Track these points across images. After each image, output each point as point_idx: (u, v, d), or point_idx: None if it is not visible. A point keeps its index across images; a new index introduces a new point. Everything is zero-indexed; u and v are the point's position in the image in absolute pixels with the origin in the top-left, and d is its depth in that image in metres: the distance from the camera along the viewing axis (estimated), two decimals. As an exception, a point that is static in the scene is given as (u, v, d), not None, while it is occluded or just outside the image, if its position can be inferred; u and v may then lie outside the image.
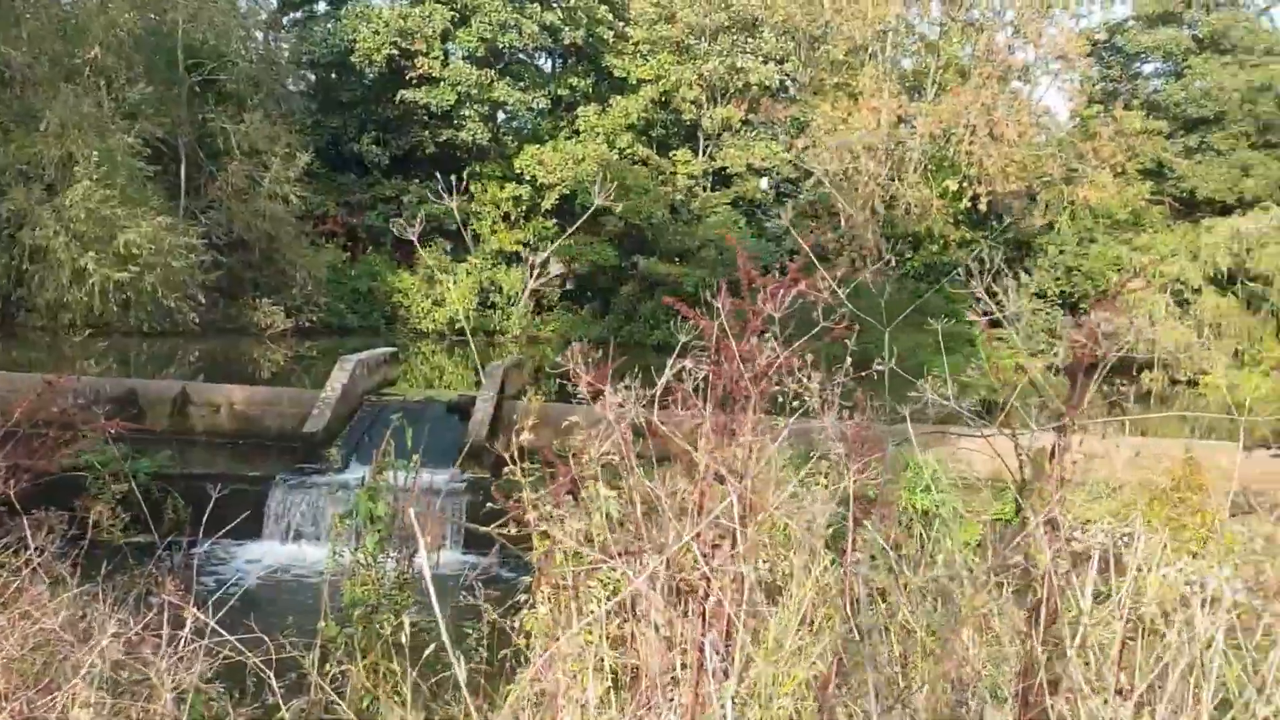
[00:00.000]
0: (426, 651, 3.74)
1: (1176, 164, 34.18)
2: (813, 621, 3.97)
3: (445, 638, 2.80)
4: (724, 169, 34.03)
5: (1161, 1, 35.79)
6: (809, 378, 3.83)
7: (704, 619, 3.44)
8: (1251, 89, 33.29)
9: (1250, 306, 30.55)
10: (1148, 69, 38.27)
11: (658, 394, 3.78)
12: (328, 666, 4.39)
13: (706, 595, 3.43)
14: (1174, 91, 35.71)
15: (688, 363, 3.78)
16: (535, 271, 32.60)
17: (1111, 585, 3.58)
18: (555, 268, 33.53)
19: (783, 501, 3.59)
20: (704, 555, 3.29)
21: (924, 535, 5.13)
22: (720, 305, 3.69)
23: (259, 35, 33.01)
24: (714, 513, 3.28)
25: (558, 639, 3.78)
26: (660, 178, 33.47)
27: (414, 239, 4.63)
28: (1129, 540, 4.16)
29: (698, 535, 3.42)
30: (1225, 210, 32.73)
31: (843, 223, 31.96)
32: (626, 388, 3.75)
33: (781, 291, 3.72)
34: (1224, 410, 26.65)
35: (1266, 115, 33.41)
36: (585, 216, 30.74)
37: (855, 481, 3.79)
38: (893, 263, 32.16)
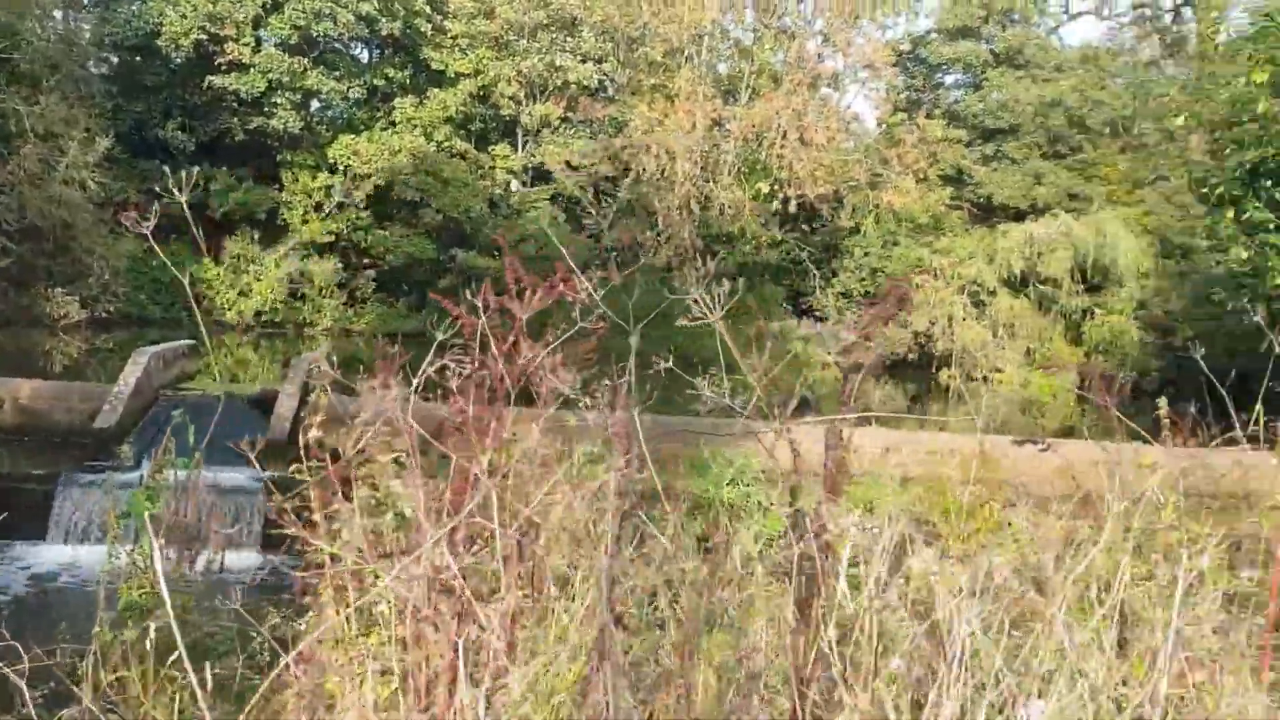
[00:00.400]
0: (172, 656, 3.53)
1: (975, 171, 36.05)
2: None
3: (179, 642, 2.64)
4: (543, 165, 33.98)
5: (961, 16, 37.66)
6: (577, 374, 3.75)
7: (459, 619, 3.31)
8: (1043, 103, 35.41)
9: (1041, 307, 32.49)
10: (949, 80, 40.29)
11: (417, 388, 3.64)
12: (101, 674, 4.17)
13: (462, 594, 3.30)
14: (973, 102, 37.66)
15: (457, 359, 3.65)
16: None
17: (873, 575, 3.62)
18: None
19: (542, 498, 3.49)
20: (454, 555, 3.16)
21: (729, 527, 5.24)
22: (480, 302, 3.58)
23: (57, 14, 31.07)
24: (465, 511, 3.16)
25: (331, 640, 3.61)
26: (479, 172, 33.11)
27: (148, 232, 4.29)
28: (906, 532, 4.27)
29: (452, 533, 3.31)
30: (1019, 216, 34.70)
31: (659, 221, 32.36)
32: (409, 382, 3.61)
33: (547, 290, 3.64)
34: (1019, 406, 28.26)
35: (1056, 128, 35.60)
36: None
37: (626, 474, 3.72)
38: (708, 261, 32.68)
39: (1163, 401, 5.32)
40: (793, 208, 31.96)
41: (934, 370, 32.95)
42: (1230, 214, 16.15)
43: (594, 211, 32.45)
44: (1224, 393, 5.05)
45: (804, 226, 34.60)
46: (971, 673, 2.53)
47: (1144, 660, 3.39)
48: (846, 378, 4.05)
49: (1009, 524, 4.68)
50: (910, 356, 33.52)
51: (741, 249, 32.79)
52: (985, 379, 31.81)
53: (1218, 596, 3.79)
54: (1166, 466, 3.96)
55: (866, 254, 34.19)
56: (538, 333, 3.57)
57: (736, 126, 32.59)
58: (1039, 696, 3.09)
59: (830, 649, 2.78)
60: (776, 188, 32.26)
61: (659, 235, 31.56)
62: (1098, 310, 31.23)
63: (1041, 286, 32.24)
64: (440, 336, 3.60)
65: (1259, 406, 4.10)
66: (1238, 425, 4.78)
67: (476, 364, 3.59)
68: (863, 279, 33.77)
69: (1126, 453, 4.25)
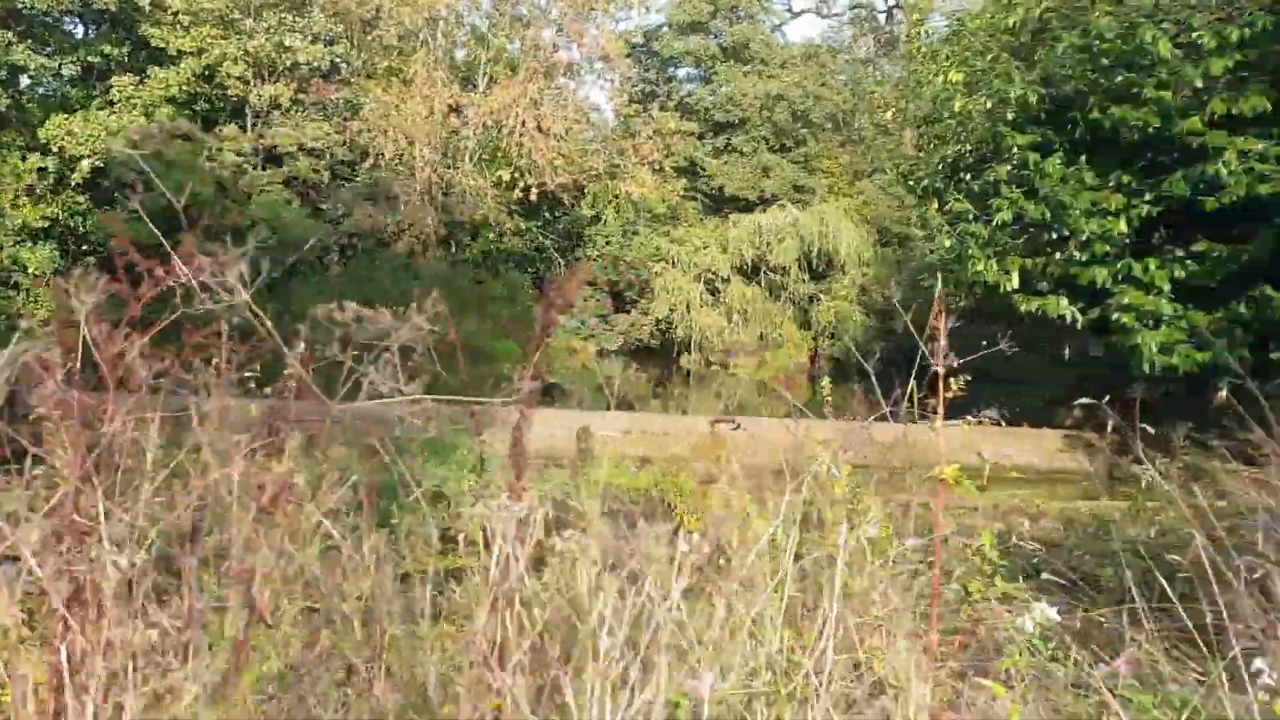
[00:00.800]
0: None
1: (708, 163, 37.26)
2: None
3: None
4: (275, 148, 32.35)
5: (690, 11, 38.75)
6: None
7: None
8: (769, 97, 36.98)
9: (772, 294, 34.00)
10: (681, 73, 41.36)
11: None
12: None
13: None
14: (703, 96, 38.84)
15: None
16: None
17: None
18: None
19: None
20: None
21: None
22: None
23: None
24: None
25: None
26: (205, 154, 31.12)
27: None
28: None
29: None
30: (749, 207, 36.18)
31: (401, 207, 31.62)
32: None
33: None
34: (753, 389, 29.36)
35: (782, 122, 37.27)
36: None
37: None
38: (452, 249, 32.29)
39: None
40: (534, 196, 31.91)
41: (675, 355, 33.79)
42: (934, 205, 17.35)
43: (331, 196, 31.28)
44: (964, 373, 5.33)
45: (547, 215, 34.67)
46: (618, 650, 2.49)
47: (815, 627, 3.46)
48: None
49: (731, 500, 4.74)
50: (653, 343, 34.25)
51: (486, 236, 32.50)
52: (724, 364, 32.88)
53: (886, 563, 3.93)
54: (837, 441, 4.10)
55: (608, 243, 34.68)
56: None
57: (475, 113, 32.20)
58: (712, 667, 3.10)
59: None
60: (517, 176, 32.12)
61: (400, 222, 30.81)
62: (824, 296, 33.01)
63: (772, 274, 33.75)
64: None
65: (913, 383, 4.30)
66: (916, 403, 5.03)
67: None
68: (605, 267, 34.24)
69: (807, 429, 4.39)
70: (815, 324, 32.82)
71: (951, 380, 3.96)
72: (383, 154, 30.77)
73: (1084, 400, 6.34)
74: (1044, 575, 4.74)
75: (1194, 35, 13.47)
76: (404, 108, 31.04)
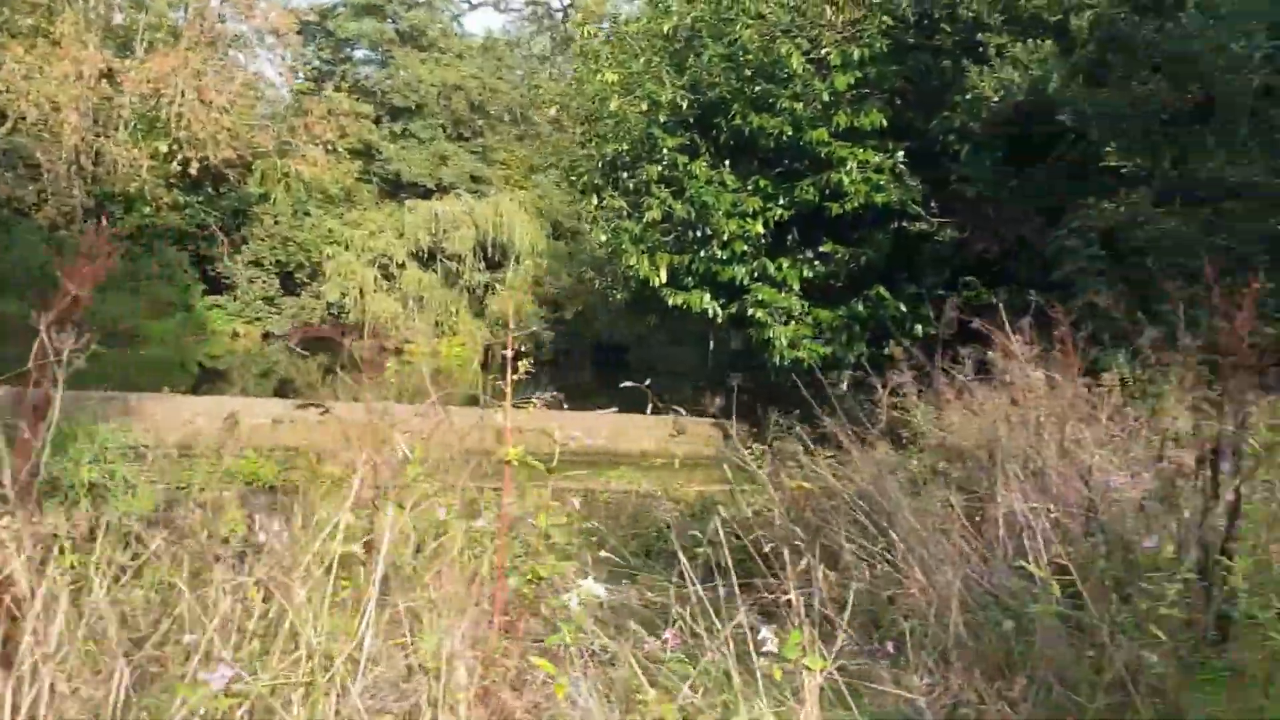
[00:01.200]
0: None
1: (384, 147, 36.37)
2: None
3: None
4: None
5: (367, -8, 37.67)
6: None
7: None
8: (446, 85, 36.63)
9: (448, 281, 33.77)
10: (358, 55, 40.13)
11: None
12: None
13: None
14: (380, 79, 37.88)
15: None
16: None
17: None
18: None
19: None
20: None
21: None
22: None
23: None
24: None
25: None
26: None
27: None
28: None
29: None
30: (427, 194, 35.73)
31: (44, 175, 28.75)
32: None
33: None
34: (430, 376, 28.98)
35: (460, 112, 37.05)
36: None
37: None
38: (102, 221, 29.62)
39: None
40: (195, 170, 29.90)
41: (348, 341, 32.76)
42: (594, 201, 17.75)
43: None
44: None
45: (210, 191, 32.59)
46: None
47: (359, 614, 3.42)
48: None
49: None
50: (324, 327, 33.06)
51: (140, 210, 30.11)
52: (398, 350, 32.32)
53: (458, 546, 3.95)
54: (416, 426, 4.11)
55: (277, 222, 33.14)
56: None
57: (131, 81, 29.74)
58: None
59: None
60: (176, 148, 30.01)
61: (42, 191, 27.99)
62: (498, 285, 33.16)
63: (448, 262, 33.52)
64: None
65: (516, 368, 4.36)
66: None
67: None
68: (274, 248, 32.71)
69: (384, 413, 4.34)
70: (489, 313, 32.93)
71: (520, 363, 4.03)
72: (23, 118, 27.84)
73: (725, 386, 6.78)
74: (603, 552, 4.95)
75: (823, 52, 14.58)
76: (49, 69, 28.17)
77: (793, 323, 15.11)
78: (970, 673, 4.16)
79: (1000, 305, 6.60)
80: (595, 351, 30.36)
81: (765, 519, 6.34)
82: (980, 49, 12.91)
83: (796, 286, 15.24)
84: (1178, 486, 4.97)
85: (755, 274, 15.33)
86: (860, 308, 14.93)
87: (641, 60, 16.55)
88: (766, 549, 5.26)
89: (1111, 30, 11.10)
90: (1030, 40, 12.15)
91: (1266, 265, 8.04)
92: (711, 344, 17.58)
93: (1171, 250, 8.80)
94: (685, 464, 9.65)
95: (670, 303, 15.76)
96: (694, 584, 3.70)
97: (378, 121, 36.82)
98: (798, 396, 7.53)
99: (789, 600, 3.53)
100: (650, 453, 13.03)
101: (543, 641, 3.71)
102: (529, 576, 3.77)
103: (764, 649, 3.25)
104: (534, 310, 32.00)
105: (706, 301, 15.60)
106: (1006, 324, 6.29)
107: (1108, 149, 10.66)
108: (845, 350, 14.73)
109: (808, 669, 3.11)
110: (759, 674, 3.23)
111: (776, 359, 14.72)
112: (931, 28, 14.46)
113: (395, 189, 36.53)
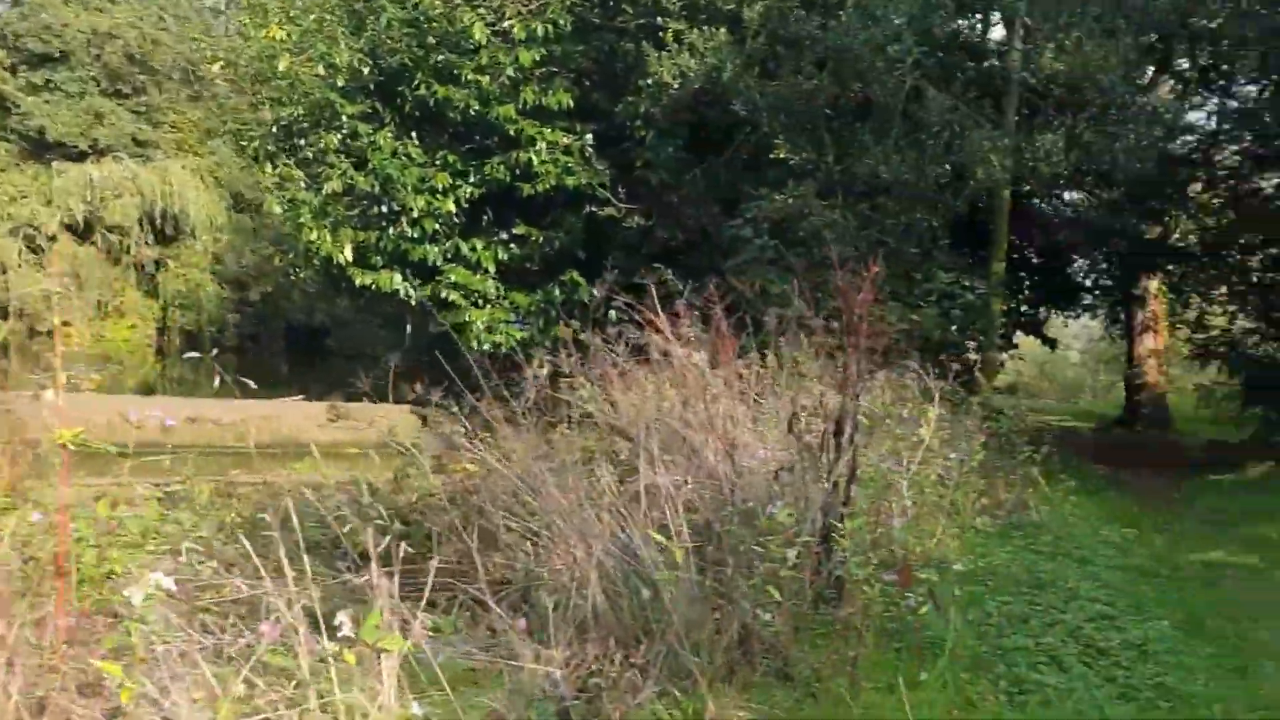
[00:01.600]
0: None
1: (22, 100, 32.18)
2: None
3: None
4: None
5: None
6: None
7: None
8: (99, 34, 32.86)
9: (111, 257, 30.81)
10: (-11, -8, 35.22)
11: None
12: None
13: None
14: (13, 20, 33.22)
15: None
16: None
17: None
18: None
19: None
20: None
21: None
22: None
23: None
24: None
25: None
26: None
27: None
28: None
29: None
30: (80, 156, 32.18)
31: None
32: None
33: None
34: (95, 360, 26.44)
35: (115, 64, 33.37)
36: None
37: None
38: None
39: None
40: None
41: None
42: (269, 169, 16.55)
43: None
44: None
45: None
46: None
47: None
48: None
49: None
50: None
51: None
52: (50, 333, 29.25)
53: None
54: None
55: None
56: None
57: None
58: None
59: None
60: None
61: None
62: (172, 262, 30.68)
63: (110, 234, 30.60)
64: None
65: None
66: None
67: None
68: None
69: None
70: (163, 292, 30.39)
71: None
72: None
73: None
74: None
75: (507, 24, 14.31)
76: None
77: (489, 306, 14.90)
78: (606, 642, 4.42)
79: (684, 291, 6.88)
80: (289, 335, 28.85)
81: (434, 504, 6.32)
82: (660, 33, 13.13)
83: (492, 269, 15.03)
84: (806, 457, 5.42)
85: (448, 254, 14.97)
86: (556, 292, 14.95)
87: (312, 18, 15.47)
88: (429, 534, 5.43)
89: (780, 23, 11.57)
90: (706, 28, 12.47)
91: (916, 259, 8.73)
92: (410, 327, 17.01)
93: (834, 241, 9.31)
94: (381, 452, 9.32)
95: (359, 282, 15.10)
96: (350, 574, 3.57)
97: (13, 70, 32.50)
98: (495, 381, 7.46)
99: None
100: (344, 442, 12.57)
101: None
102: (89, 573, 3.57)
103: (340, 634, 3.20)
104: (213, 290, 29.92)
105: (398, 282, 15.08)
106: (658, 306, 6.53)
107: (777, 141, 11.14)
108: (543, 335, 14.71)
109: (384, 650, 3.13)
110: (331, 660, 3.19)
111: (473, 343, 14.47)
112: (615, 8, 14.55)
113: (39, 149, 32.46)
